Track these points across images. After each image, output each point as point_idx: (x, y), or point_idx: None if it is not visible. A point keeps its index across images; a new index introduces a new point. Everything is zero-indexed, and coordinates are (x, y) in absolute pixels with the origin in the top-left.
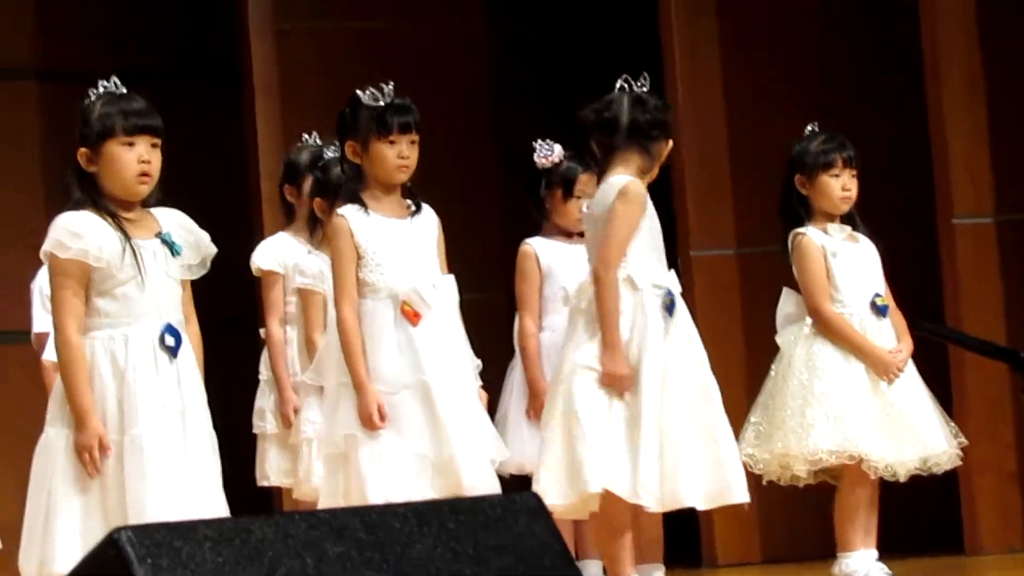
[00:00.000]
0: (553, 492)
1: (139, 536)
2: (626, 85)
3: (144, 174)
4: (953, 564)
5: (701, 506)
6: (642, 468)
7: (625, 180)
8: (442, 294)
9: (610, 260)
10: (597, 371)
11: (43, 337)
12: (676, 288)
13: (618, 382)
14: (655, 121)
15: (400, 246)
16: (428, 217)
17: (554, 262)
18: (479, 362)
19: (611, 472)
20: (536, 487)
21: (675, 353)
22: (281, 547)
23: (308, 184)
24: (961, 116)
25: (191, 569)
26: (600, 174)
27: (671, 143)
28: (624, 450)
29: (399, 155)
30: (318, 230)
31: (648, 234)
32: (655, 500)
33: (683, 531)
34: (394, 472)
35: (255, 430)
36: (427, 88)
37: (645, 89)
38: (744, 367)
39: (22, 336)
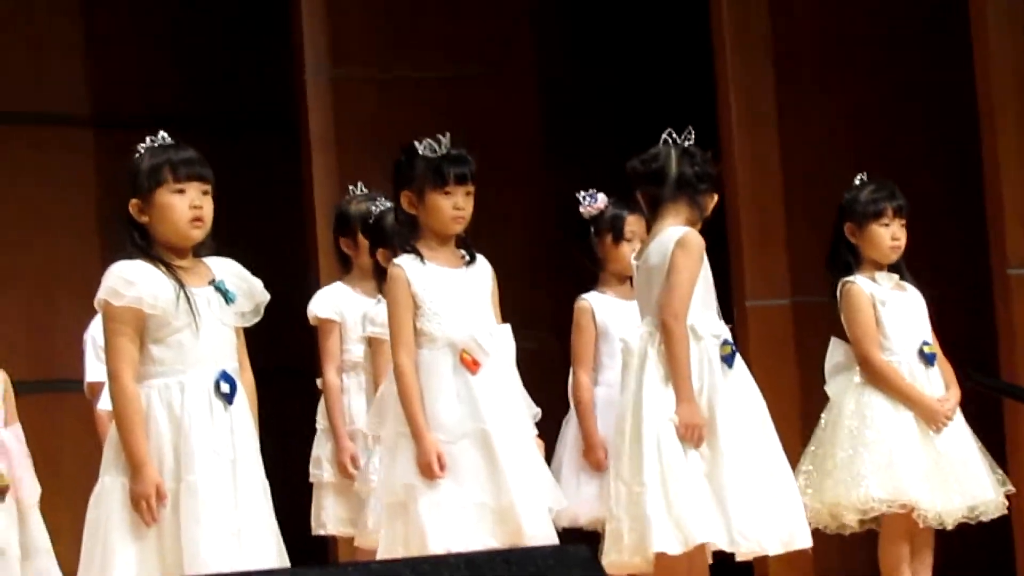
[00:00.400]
0: (662, 541)
1: None
2: (670, 139)
3: (197, 219)
4: None
5: (778, 551)
6: (733, 517)
7: (683, 231)
8: (499, 342)
9: (678, 311)
10: (674, 421)
11: (96, 387)
12: (730, 338)
13: (696, 432)
14: (703, 174)
15: (456, 295)
16: (482, 267)
17: (609, 318)
18: (538, 410)
19: (709, 524)
20: (631, 534)
21: (738, 402)
22: None
23: (361, 235)
24: (1016, 165)
25: None
26: (649, 225)
27: (716, 197)
28: (711, 502)
29: (455, 206)
30: (384, 280)
31: (703, 284)
32: (748, 548)
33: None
34: (454, 521)
35: (311, 479)
36: (480, 138)
37: (691, 142)
38: (799, 415)
39: (76, 385)
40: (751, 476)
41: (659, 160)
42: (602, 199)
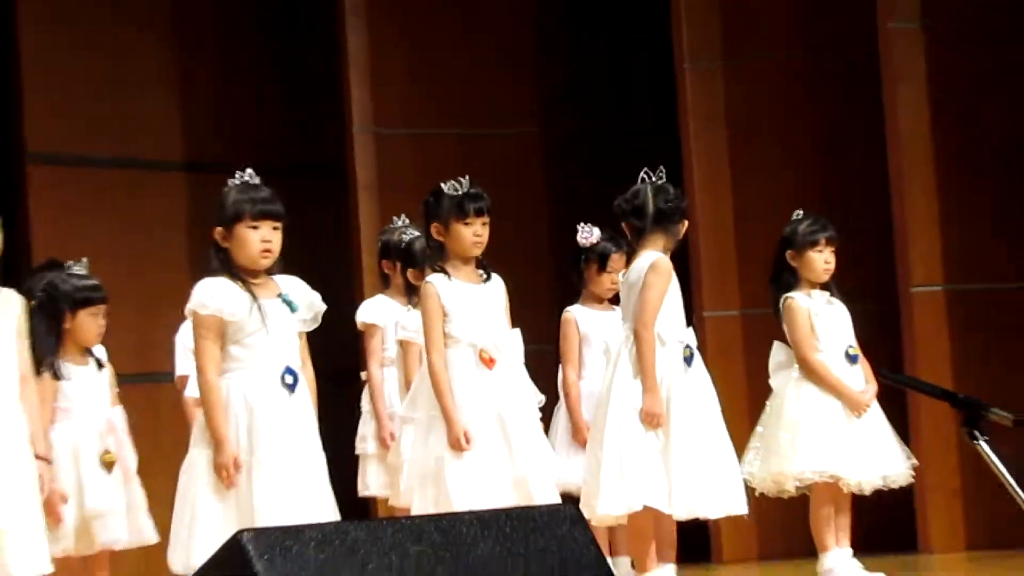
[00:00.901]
0: (607, 505)
1: (257, 537)
2: (646, 177)
3: (266, 251)
4: (910, 561)
5: (713, 516)
6: (676, 487)
7: (656, 256)
8: (511, 344)
9: (647, 321)
10: (638, 408)
11: (184, 379)
12: (693, 342)
13: (655, 419)
14: (675, 208)
15: (477, 306)
16: (497, 282)
17: (590, 327)
18: (542, 397)
19: (652, 491)
20: (591, 498)
21: (693, 395)
22: (371, 547)
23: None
24: (919, 206)
25: (299, 564)
26: (632, 251)
27: (686, 223)
28: (661, 474)
29: (474, 234)
30: (415, 294)
31: (671, 299)
32: (685, 512)
33: (693, 533)
34: (476, 486)
35: (357, 451)
36: (495, 182)
37: (663, 180)
38: (747, 404)
39: (169, 377)
40: (696, 455)
41: (639, 197)
42: (596, 233)
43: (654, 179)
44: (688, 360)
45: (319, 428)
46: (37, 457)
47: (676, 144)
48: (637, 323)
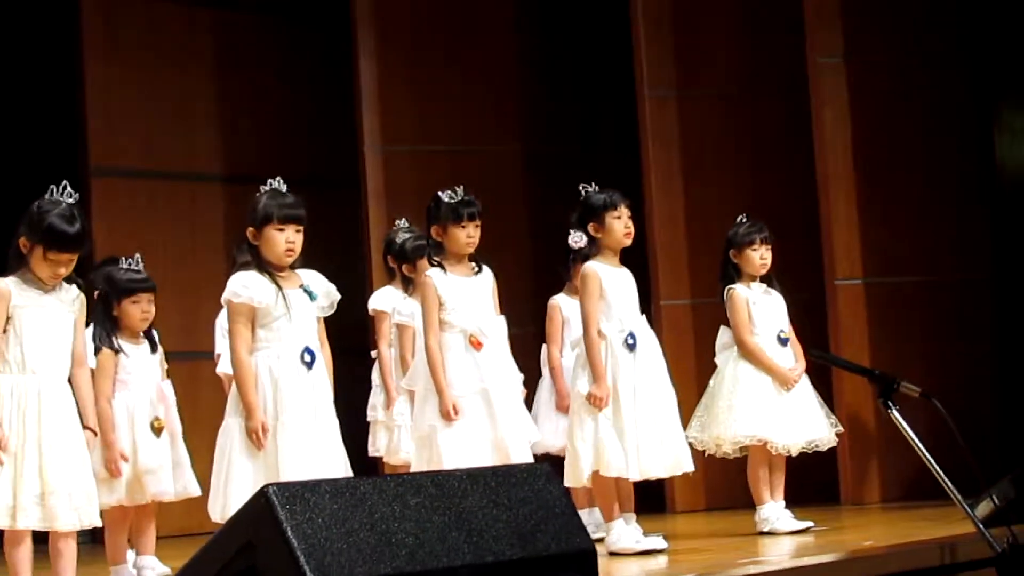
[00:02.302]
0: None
1: (281, 489)
2: (582, 191)
3: (289, 250)
4: (833, 512)
5: (662, 475)
6: (629, 452)
7: (584, 268)
8: (497, 329)
9: (587, 327)
10: (591, 394)
11: (220, 357)
12: (639, 328)
13: (598, 402)
14: (591, 206)
15: (468, 296)
16: (487, 275)
17: (571, 313)
18: (522, 376)
19: (607, 460)
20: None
21: (641, 374)
22: (377, 498)
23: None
24: (841, 210)
25: (316, 512)
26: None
27: (617, 213)
28: (615, 445)
29: (468, 235)
30: (411, 285)
31: (609, 295)
32: (638, 475)
33: (650, 487)
34: (465, 450)
35: (368, 418)
36: (486, 191)
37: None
38: (696, 380)
39: (209, 355)
40: (643, 425)
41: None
42: (584, 238)
43: (589, 191)
44: (631, 347)
45: (335, 399)
46: (85, 427)
47: (635, 159)
48: (583, 327)
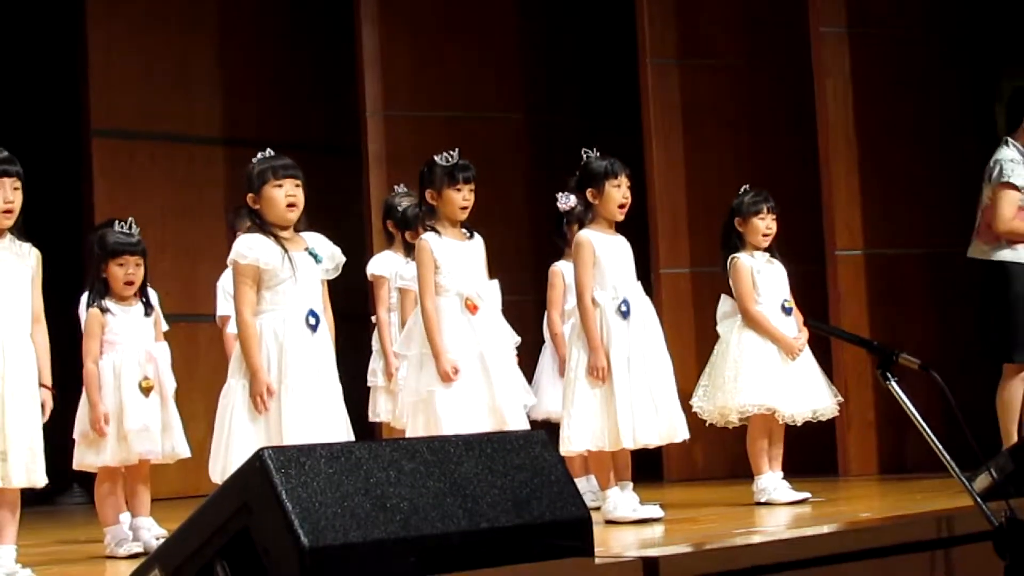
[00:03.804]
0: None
1: (276, 453)
2: (584, 155)
3: (291, 204)
4: (830, 483)
5: (657, 443)
6: (621, 424)
7: (578, 236)
8: (491, 293)
9: (581, 294)
10: (590, 364)
11: (224, 319)
12: (633, 295)
13: (598, 371)
14: (589, 174)
15: (462, 260)
16: (478, 240)
17: (572, 279)
18: (518, 339)
19: (601, 431)
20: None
21: (636, 341)
22: (373, 463)
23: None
24: (842, 182)
25: (311, 476)
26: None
27: (617, 182)
28: (608, 414)
29: (463, 199)
30: (412, 250)
31: (602, 263)
32: (631, 443)
33: (647, 455)
34: (462, 413)
35: (368, 383)
36: (485, 158)
37: (596, 154)
38: (695, 348)
39: (208, 317)
40: (637, 393)
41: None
42: (572, 199)
43: (591, 155)
44: (625, 314)
45: (337, 363)
46: (42, 386)
47: (635, 128)
48: (576, 296)
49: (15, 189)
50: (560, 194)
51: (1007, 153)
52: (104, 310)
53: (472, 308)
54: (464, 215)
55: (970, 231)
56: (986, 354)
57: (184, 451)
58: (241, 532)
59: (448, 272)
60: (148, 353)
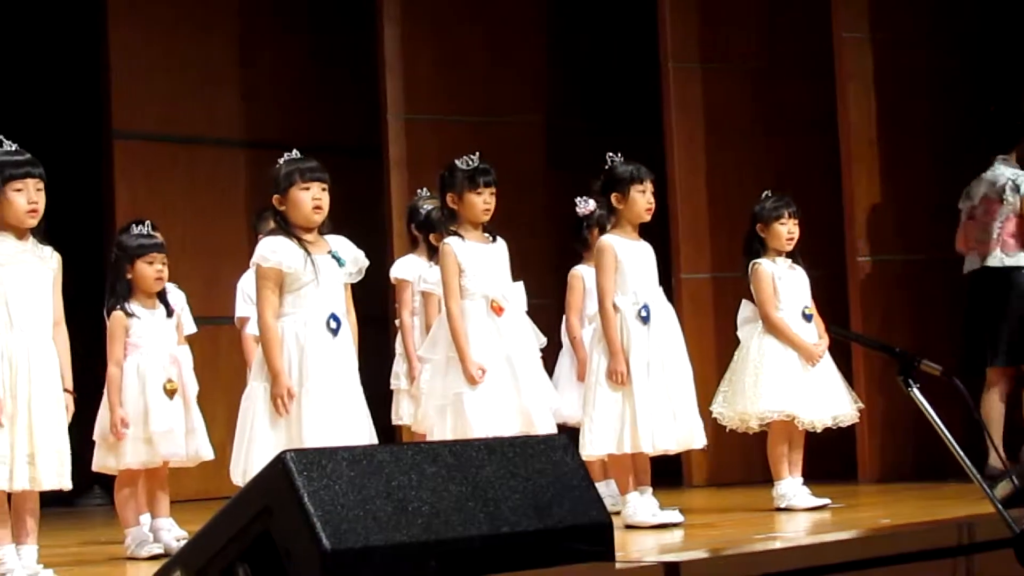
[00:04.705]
0: (589, 448)
1: (298, 456)
2: (609, 160)
3: (317, 207)
4: (850, 489)
5: (674, 449)
6: (640, 429)
7: (600, 241)
8: (516, 295)
9: (602, 299)
10: (610, 369)
11: (244, 320)
12: (654, 301)
13: (618, 375)
14: (614, 178)
15: (486, 263)
16: (501, 244)
17: (592, 283)
18: (544, 339)
19: (622, 437)
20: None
21: (656, 347)
22: (394, 467)
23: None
24: (864, 188)
25: (332, 479)
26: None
27: (641, 186)
28: (628, 419)
29: (484, 202)
30: (436, 254)
31: (624, 268)
32: (651, 449)
33: (668, 461)
34: (490, 415)
35: (391, 387)
36: (505, 162)
37: (620, 159)
38: (715, 353)
39: (229, 320)
40: (656, 398)
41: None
42: (592, 203)
43: (615, 160)
44: (645, 319)
45: (359, 366)
46: (64, 390)
47: (655, 132)
48: (598, 301)
49: (38, 190)
50: (579, 199)
51: (1008, 170)
52: (129, 314)
53: (498, 310)
54: (486, 218)
55: None
56: (984, 361)
57: (208, 453)
58: (263, 535)
59: (473, 275)
60: (172, 356)
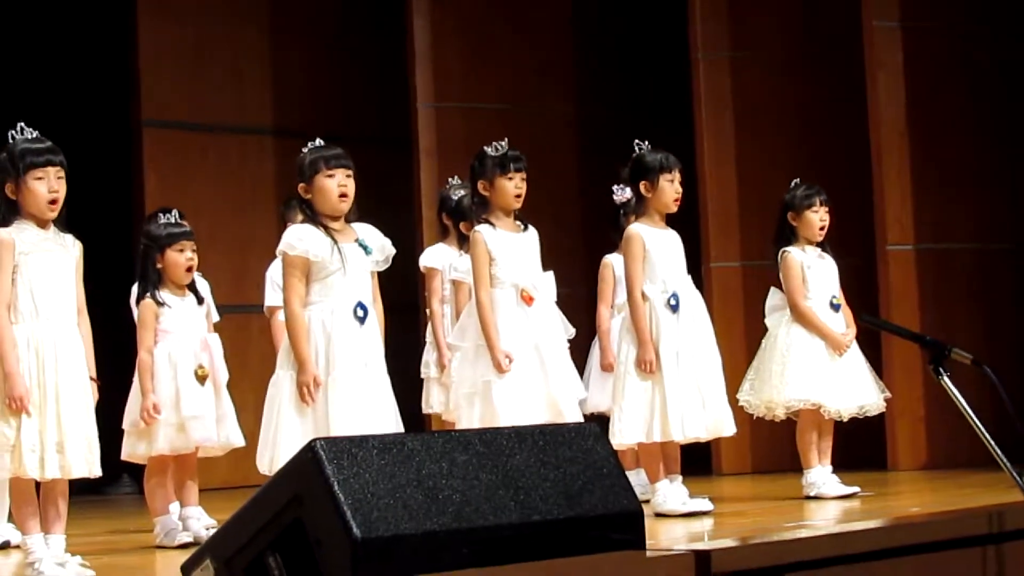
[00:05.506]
0: (620, 436)
1: (328, 444)
2: (636, 147)
3: (343, 195)
4: (879, 477)
5: (704, 437)
6: (670, 417)
7: (629, 230)
8: (546, 284)
9: (631, 289)
10: (639, 358)
11: (273, 309)
12: (683, 290)
13: (646, 365)
14: (641, 167)
15: (517, 252)
16: (532, 232)
17: (623, 273)
18: (573, 330)
19: (651, 423)
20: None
21: (685, 335)
22: (425, 455)
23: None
24: (894, 176)
25: (363, 467)
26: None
27: (670, 176)
28: (657, 407)
29: (516, 187)
30: (466, 242)
31: (652, 257)
32: (681, 437)
33: (698, 449)
34: (518, 404)
35: (421, 375)
36: (536, 151)
37: (648, 147)
38: (744, 341)
39: (258, 308)
40: (686, 387)
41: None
42: (628, 191)
43: (643, 148)
44: (674, 308)
45: (387, 354)
46: (88, 378)
47: (685, 122)
48: (627, 290)
49: (59, 179)
50: (616, 186)
51: None
52: (160, 303)
53: (528, 299)
54: (518, 203)
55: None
56: None
57: (239, 440)
58: (293, 523)
59: (503, 264)
60: (203, 342)
